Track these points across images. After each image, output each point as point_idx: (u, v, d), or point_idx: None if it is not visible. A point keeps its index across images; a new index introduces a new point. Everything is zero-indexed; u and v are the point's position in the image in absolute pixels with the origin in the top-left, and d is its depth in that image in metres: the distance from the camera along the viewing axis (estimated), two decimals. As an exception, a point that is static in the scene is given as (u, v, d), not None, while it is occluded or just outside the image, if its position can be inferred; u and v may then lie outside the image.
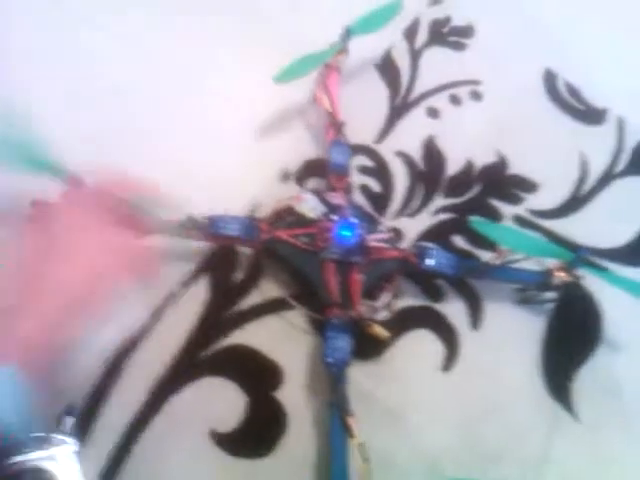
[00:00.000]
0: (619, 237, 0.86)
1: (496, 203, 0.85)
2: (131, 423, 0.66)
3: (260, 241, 0.72)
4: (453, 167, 0.88)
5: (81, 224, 0.60)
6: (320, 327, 0.72)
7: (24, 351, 0.53)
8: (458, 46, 0.98)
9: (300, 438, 0.68)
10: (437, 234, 0.82)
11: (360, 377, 0.71)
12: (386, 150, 0.87)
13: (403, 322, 0.76)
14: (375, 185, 0.84)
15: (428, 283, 0.78)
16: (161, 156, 0.76)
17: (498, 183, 0.87)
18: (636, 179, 0.91)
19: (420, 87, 0.93)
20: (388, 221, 0.82)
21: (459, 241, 0.82)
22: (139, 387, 0.68)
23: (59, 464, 0.50)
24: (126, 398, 0.67)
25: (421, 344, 0.75)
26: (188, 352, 0.70)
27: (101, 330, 0.68)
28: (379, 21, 0.88)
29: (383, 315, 0.73)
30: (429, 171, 0.87)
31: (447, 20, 1.00)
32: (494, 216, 0.85)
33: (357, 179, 0.84)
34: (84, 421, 0.65)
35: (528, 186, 0.87)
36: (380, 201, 0.83)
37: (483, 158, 0.89)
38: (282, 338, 0.73)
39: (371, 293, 0.74)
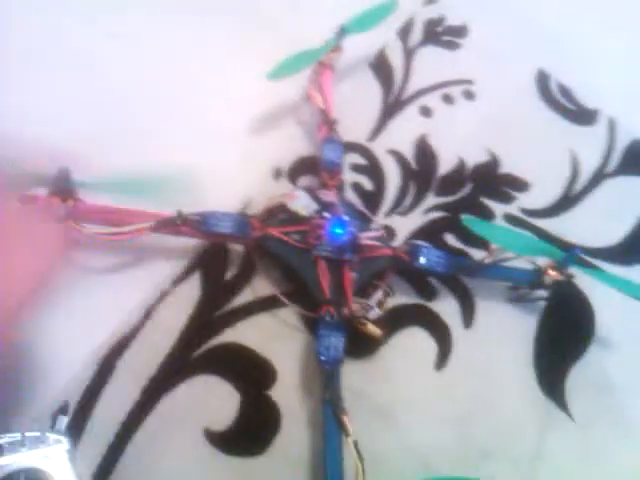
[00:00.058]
0: (610, 236, 0.86)
1: (488, 202, 0.86)
2: (124, 422, 0.66)
3: (252, 238, 0.72)
4: (445, 166, 0.88)
5: None
6: (313, 325, 0.72)
7: None
8: (452, 45, 0.98)
9: (294, 436, 0.68)
10: (429, 232, 0.82)
11: (352, 375, 0.71)
12: (379, 148, 0.87)
13: (396, 320, 0.75)
14: (367, 183, 0.84)
15: (420, 281, 0.78)
16: (160, 156, 0.76)
17: (490, 182, 0.87)
18: (627, 179, 0.91)
19: (413, 86, 0.93)
20: (380, 219, 0.82)
21: (451, 239, 0.82)
22: (132, 386, 0.68)
23: (53, 463, 0.50)
24: (119, 397, 0.67)
25: (414, 342, 0.75)
26: (180, 350, 0.70)
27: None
28: (374, 20, 0.88)
29: (375, 313, 0.72)
30: (421, 170, 0.87)
31: (441, 20, 1.00)
32: (486, 215, 0.85)
33: (349, 177, 0.84)
34: (77, 421, 0.65)
35: (520, 185, 0.88)
36: (372, 199, 0.83)
37: (475, 157, 0.89)
38: (274, 336, 0.73)
39: (363, 291, 0.74)
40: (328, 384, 0.66)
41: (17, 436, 0.50)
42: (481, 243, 0.80)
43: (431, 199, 0.84)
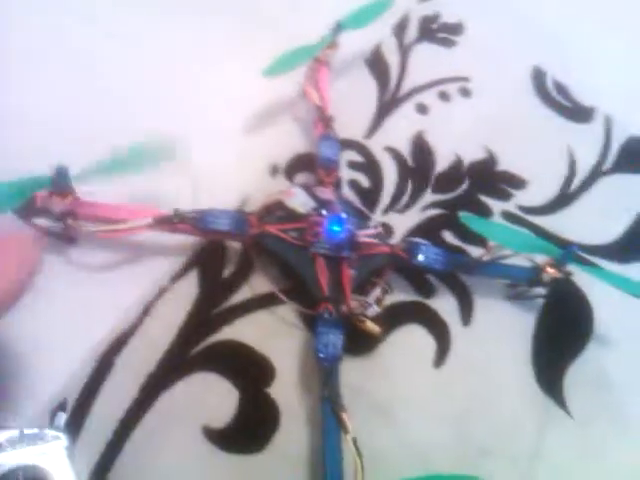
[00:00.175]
0: (607, 234, 0.86)
1: (485, 199, 0.86)
2: (122, 419, 0.65)
3: (250, 236, 0.71)
4: (442, 163, 0.88)
5: None
6: (311, 322, 0.72)
7: None
8: (447, 43, 0.98)
9: (293, 434, 0.68)
10: (427, 230, 0.82)
11: (351, 372, 0.70)
12: (375, 145, 0.87)
13: (394, 317, 0.75)
14: (364, 180, 0.84)
15: (419, 279, 0.78)
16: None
17: (487, 179, 0.87)
18: (624, 176, 0.91)
19: (409, 83, 0.93)
20: (377, 217, 0.82)
21: (449, 237, 0.82)
22: (130, 383, 0.67)
23: (52, 460, 0.50)
24: (117, 395, 0.66)
25: (412, 339, 0.75)
26: (179, 347, 0.69)
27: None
28: (370, 16, 0.88)
29: (374, 310, 0.72)
30: (418, 167, 0.87)
31: (437, 17, 1.00)
32: (483, 212, 0.85)
33: (346, 174, 0.84)
34: (75, 418, 0.64)
35: (517, 182, 0.88)
36: (369, 196, 0.83)
37: (472, 154, 0.89)
38: (273, 333, 0.72)
39: (361, 288, 0.73)
40: (327, 381, 0.66)
41: (15, 433, 0.50)
42: (479, 240, 0.80)
43: (428, 196, 0.84)
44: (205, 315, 0.72)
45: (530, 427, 0.73)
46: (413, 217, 0.83)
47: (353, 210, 0.78)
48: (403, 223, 0.82)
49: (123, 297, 0.71)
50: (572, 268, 0.75)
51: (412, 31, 0.98)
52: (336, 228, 0.71)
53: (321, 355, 0.67)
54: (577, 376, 0.76)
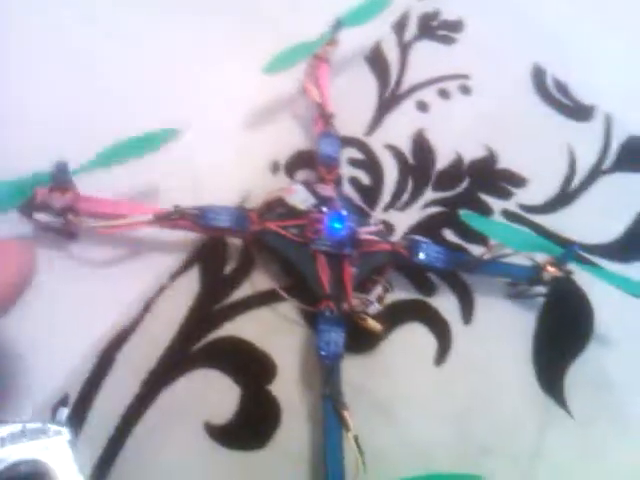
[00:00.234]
0: (608, 233, 0.86)
1: (485, 197, 0.86)
2: (124, 415, 0.65)
3: (251, 232, 0.71)
4: (442, 161, 0.87)
5: None
6: (312, 319, 0.72)
7: None
8: (447, 40, 0.98)
9: (294, 431, 0.68)
10: (427, 228, 0.82)
11: (352, 370, 0.70)
12: (376, 143, 0.87)
13: (395, 316, 0.75)
14: (365, 178, 0.84)
15: (419, 277, 0.78)
16: (159, 153, 0.75)
17: (487, 177, 0.87)
18: (624, 175, 0.91)
19: (409, 80, 0.93)
20: (378, 214, 0.81)
21: (449, 235, 0.82)
22: (131, 379, 0.67)
23: (54, 455, 0.49)
24: (119, 390, 0.66)
25: (413, 338, 0.75)
26: (180, 344, 0.69)
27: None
28: (370, 13, 0.88)
29: (375, 308, 0.72)
30: (419, 164, 0.86)
31: (437, 14, 1.00)
32: (484, 211, 0.85)
33: (346, 171, 0.83)
34: (77, 413, 0.64)
35: (517, 181, 0.88)
36: (370, 194, 0.83)
37: (472, 152, 0.89)
38: (274, 330, 0.72)
39: (362, 286, 0.73)
40: (328, 379, 0.66)
41: (18, 427, 0.50)
42: (480, 239, 0.80)
43: (429, 194, 0.84)
44: (206, 311, 0.72)
45: (531, 426, 0.73)
46: (413, 215, 0.83)
47: (354, 207, 0.78)
48: (403, 221, 0.82)
49: (124, 293, 0.71)
50: (572, 267, 0.75)
51: (412, 28, 0.98)
52: (337, 225, 0.71)
53: (323, 353, 0.67)
54: (577, 376, 0.76)
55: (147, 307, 0.71)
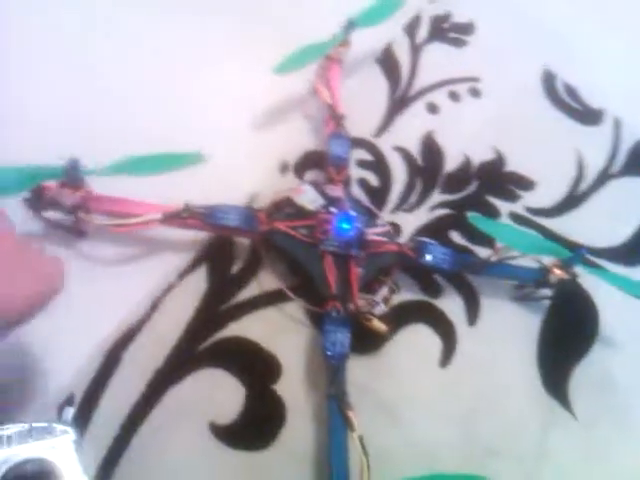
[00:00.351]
0: (615, 237, 0.87)
1: (493, 200, 0.86)
2: (130, 415, 0.66)
3: (259, 232, 0.72)
4: (451, 163, 0.88)
5: None
6: (318, 319, 0.72)
7: None
8: (458, 43, 0.99)
9: (299, 431, 0.68)
10: (434, 230, 0.82)
11: (357, 370, 0.70)
12: (385, 144, 0.87)
13: (400, 317, 0.75)
14: (373, 179, 0.84)
15: (426, 278, 0.78)
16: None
17: (495, 180, 0.88)
18: (632, 180, 0.92)
19: (420, 82, 0.93)
20: (386, 215, 0.82)
21: (456, 237, 0.82)
22: (137, 378, 0.67)
23: (60, 454, 0.50)
24: (125, 389, 0.67)
25: (418, 339, 0.75)
26: (187, 343, 0.70)
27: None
28: (382, 14, 0.89)
29: (381, 309, 0.72)
30: (427, 166, 0.87)
31: (448, 16, 1.00)
32: (491, 213, 0.85)
33: (355, 173, 0.84)
34: (83, 412, 0.65)
35: (525, 184, 0.88)
36: (378, 195, 0.83)
37: (481, 155, 0.89)
38: (280, 330, 0.73)
39: (369, 287, 0.74)
40: (333, 379, 0.66)
41: (24, 427, 0.50)
42: (486, 241, 0.80)
43: (437, 196, 0.84)
44: (213, 311, 0.72)
45: (535, 428, 0.73)
46: (421, 217, 0.83)
47: (362, 208, 0.78)
48: (411, 222, 0.82)
49: (132, 291, 0.71)
50: (578, 270, 0.75)
51: (423, 30, 0.98)
52: (345, 226, 0.71)
53: (329, 353, 0.67)
54: (582, 378, 0.76)
55: (154, 306, 0.71)
